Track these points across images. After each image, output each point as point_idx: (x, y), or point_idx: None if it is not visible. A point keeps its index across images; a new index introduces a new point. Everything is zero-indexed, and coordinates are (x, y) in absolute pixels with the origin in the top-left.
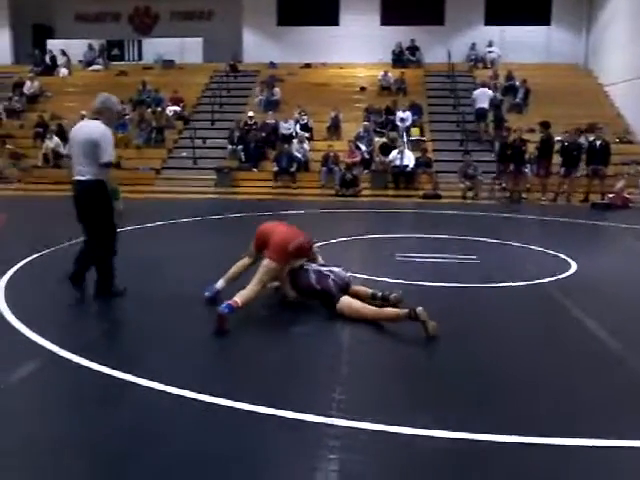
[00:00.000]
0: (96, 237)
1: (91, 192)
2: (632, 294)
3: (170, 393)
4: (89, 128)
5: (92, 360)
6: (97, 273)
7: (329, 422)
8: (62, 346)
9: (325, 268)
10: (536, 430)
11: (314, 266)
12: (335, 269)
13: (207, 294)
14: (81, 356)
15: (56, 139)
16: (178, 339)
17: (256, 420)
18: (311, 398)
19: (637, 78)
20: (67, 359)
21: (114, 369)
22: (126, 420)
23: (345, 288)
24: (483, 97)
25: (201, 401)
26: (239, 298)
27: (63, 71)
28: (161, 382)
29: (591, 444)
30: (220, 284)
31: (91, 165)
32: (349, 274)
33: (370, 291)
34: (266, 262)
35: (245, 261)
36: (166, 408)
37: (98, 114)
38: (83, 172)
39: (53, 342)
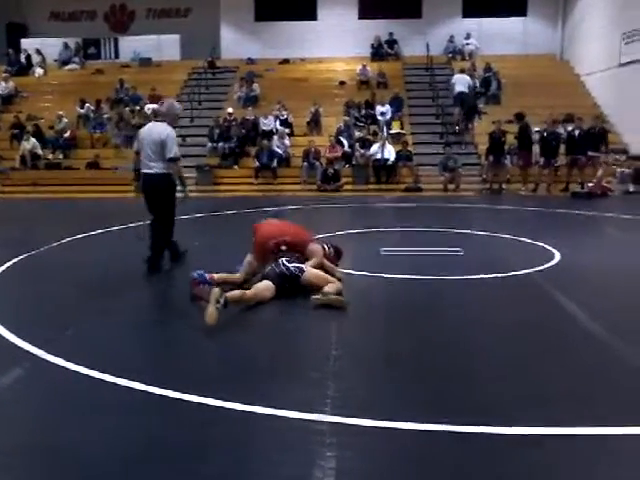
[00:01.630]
0: (163, 221)
1: (159, 183)
2: (615, 282)
3: (155, 394)
4: (158, 129)
5: (78, 364)
6: (153, 249)
7: (325, 419)
8: (47, 350)
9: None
10: (528, 421)
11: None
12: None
13: (194, 274)
14: (67, 360)
15: (33, 140)
16: (164, 339)
17: (251, 420)
18: (305, 396)
19: (612, 68)
20: (53, 363)
21: (103, 372)
22: (116, 424)
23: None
24: (462, 81)
25: (194, 402)
26: (217, 275)
27: (38, 71)
28: (144, 383)
29: (574, 432)
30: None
31: (159, 161)
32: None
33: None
34: (248, 256)
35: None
36: (155, 410)
37: (164, 116)
38: (152, 166)
39: (37, 346)
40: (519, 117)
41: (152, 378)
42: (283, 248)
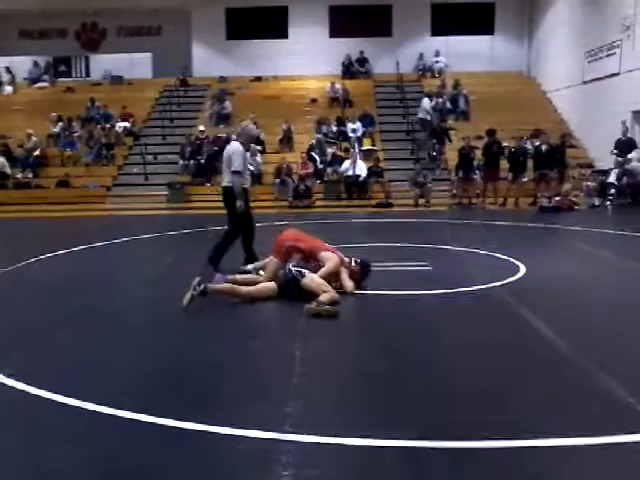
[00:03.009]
0: (231, 227)
1: (226, 194)
2: (580, 296)
3: (116, 416)
4: (231, 146)
5: (30, 384)
6: (216, 247)
7: (282, 438)
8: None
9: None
10: (489, 435)
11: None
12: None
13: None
14: (17, 379)
15: (1, 159)
16: (123, 359)
17: (207, 440)
18: (263, 414)
19: (577, 85)
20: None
21: (54, 393)
22: (69, 447)
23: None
24: (423, 108)
25: (148, 422)
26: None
27: (7, 89)
28: (96, 402)
29: (537, 444)
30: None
31: (228, 174)
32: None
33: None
34: (268, 258)
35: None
36: (107, 431)
37: (239, 136)
38: (225, 179)
39: None
40: (490, 133)
41: (104, 398)
42: (297, 253)
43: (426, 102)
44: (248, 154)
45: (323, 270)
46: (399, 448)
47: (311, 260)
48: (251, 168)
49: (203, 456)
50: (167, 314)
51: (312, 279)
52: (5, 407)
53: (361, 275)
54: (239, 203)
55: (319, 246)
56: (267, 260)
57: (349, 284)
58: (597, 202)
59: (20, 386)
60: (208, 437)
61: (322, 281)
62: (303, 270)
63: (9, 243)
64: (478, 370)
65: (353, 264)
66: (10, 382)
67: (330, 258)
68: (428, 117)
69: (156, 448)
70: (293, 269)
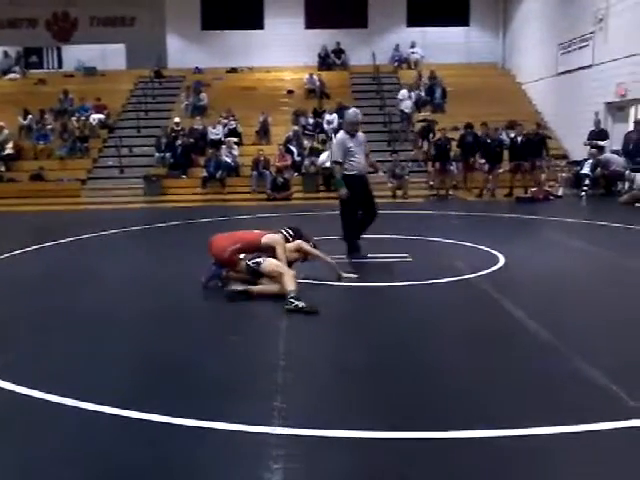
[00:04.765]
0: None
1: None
2: (559, 285)
3: (101, 412)
4: (335, 137)
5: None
6: (344, 232)
7: (271, 431)
8: None
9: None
10: (473, 424)
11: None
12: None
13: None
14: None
15: None
16: (105, 355)
17: (196, 435)
18: (251, 408)
19: (551, 77)
20: None
21: (34, 389)
22: (39, 439)
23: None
24: (403, 100)
25: (135, 418)
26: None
27: None
28: (90, 401)
29: (520, 433)
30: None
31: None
32: None
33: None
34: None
35: None
36: (99, 427)
37: (344, 125)
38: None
39: None
40: (468, 127)
41: (90, 395)
42: (241, 256)
43: (404, 94)
44: (351, 142)
45: (279, 252)
46: (385, 440)
47: (256, 252)
48: (228, 160)
49: (192, 451)
50: (149, 309)
51: (269, 263)
52: None
53: (300, 238)
54: (341, 191)
55: (255, 237)
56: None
57: (326, 258)
58: (570, 192)
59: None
60: (196, 432)
61: (278, 263)
62: (258, 259)
63: None
64: (461, 360)
65: (290, 238)
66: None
67: (273, 241)
68: (407, 110)
69: (144, 444)
70: (250, 262)
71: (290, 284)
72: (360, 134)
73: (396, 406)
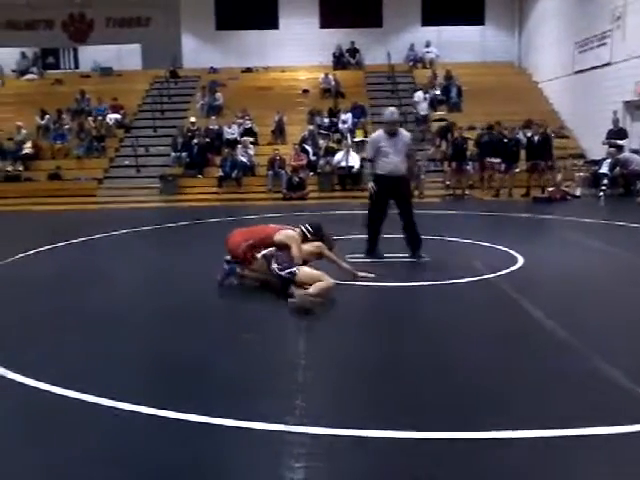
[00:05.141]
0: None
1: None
2: (577, 285)
3: (121, 409)
4: None
5: (37, 378)
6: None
7: (292, 430)
8: (3, 364)
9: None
10: (494, 425)
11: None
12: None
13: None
14: (24, 375)
15: None
16: (124, 353)
17: (218, 432)
18: (271, 407)
19: (568, 75)
20: (8, 378)
21: (65, 388)
22: (77, 440)
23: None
24: (421, 103)
25: (159, 416)
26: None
27: None
28: (111, 398)
29: (540, 435)
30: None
31: None
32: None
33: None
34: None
35: None
36: (120, 425)
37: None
38: None
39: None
40: (489, 128)
41: (108, 391)
42: (259, 255)
43: (420, 95)
44: (385, 142)
45: (295, 251)
46: (406, 440)
47: (272, 247)
48: (244, 160)
49: (212, 449)
50: (166, 308)
51: (304, 273)
52: (10, 401)
53: (318, 239)
54: (369, 184)
55: (270, 232)
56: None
57: (345, 264)
58: (588, 192)
59: (28, 381)
60: (216, 430)
61: (312, 271)
62: (291, 269)
63: (5, 236)
64: (481, 360)
65: (309, 235)
66: (17, 377)
67: (286, 237)
68: (423, 112)
69: (164, 441)
70: (282, 273)
71: (314, 288)
72: (403, 135)
73: (416, 406)
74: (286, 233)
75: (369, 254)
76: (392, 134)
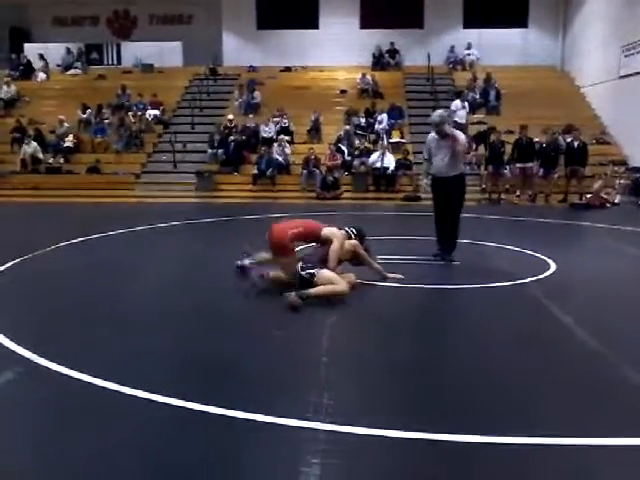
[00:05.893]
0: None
1: None
2: (610, 293)
3: (152, 400)
4: None
5: (72, 368)
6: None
7: (313, 426)
8: (39, 354)
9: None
10: (520, 430)
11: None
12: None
13: (238, 263)
14: (59, 364)
15: (34, 144)
16: (154, 346)
17: (236, 426)
18: (291, 403)
19: (612, 80)
20: (45, 367)
21: (95, 377)
22: (111, 431)
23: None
24: (459, 112)
25: (186, 408)
26: (272, 273)
27: (41, 75)
28: (143, 389)
29: (570, 443)
30: (249, 260)
31: None
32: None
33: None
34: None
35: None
36: (150, 416)
37: None
38: None
39: (30, 350)
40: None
41: (140, 383)
42: (297, 246)
43: (457, 104)
44: (433, 143)
45: (335, 246)
46: (427, 440)
47: (316, 242)
48: (279, 158)
49: (232, 442)
50: (198, 304)
51: (324, 276)
52: (48, 390)
53: (362, 243)
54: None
55: (318, 226)
56: (267, 256)
57: (375, 266)
58: (629, 200)
59: (64, 370)
60: (236, 423)
61: (332, 274)
62: (312, 270)
63: (41, 227)
64: (508, 364)
65: (353, 237)
66: (53, 366)
67: (332, 234)
68: (460, 120)
69: (189, 434)
70: (303, 273)
71: (323, 294)
72: (453, 135)
73: (441, 408)
74: (333, 230)
75: (441, 252)
76: (442, 135)
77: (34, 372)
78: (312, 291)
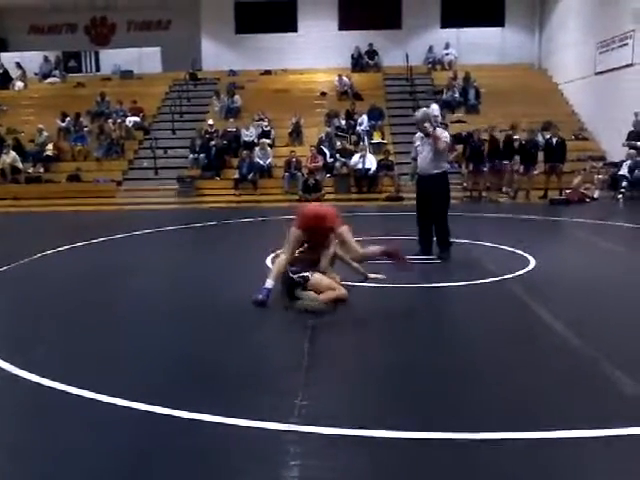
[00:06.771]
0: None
1: None
2: (589, 288)
3: (119, 405)
4: None
5: (44, 377)
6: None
7: (290, 429)
8: (13, 362)
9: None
10: (501, 426)
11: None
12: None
13: (260, 297)
14: (33, 373)
15: (13, 154)
16: (133, 351)
17: (215, 430)
18: (271, 406)
19: (589, 76)
20: (18, 376)
21: (73, 386)
22: (80, 438)
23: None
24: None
25: (160, 414)
26: (270, 281)
27: (18, 84)
28: (122, 397)
29: (553, 436)
30: (270, 283)
31: None
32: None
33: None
34: (294, 232)
35: (282, 258)
36: (120, 421)
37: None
38: None
39: (6, 360)
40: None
41: (118, 391)
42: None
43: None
44: (418, 141)
45: (325, 261)
46: (408, 440)
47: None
48: (261, 162)
49: (210, 446)
50: (176, 307)
51: (317, 281)
52: (19, 398)
53: None
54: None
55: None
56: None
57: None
58: (606, 194)
59: (35, 378)
60: (216, 427)
61: (328, 280)
62: (305, 274)
63: (23, 237)
64: (490, 361)
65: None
66: (25, 374)
67: (347, 232)
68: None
69: (165, 439)
70: (294, 276)
71: (325, 295)
72: (434, 133)
73: (420, 406)
74: (346, 229)
75: (422, 254)
76: (426, 134)
77: (9, 381)
78: (323, 297)
